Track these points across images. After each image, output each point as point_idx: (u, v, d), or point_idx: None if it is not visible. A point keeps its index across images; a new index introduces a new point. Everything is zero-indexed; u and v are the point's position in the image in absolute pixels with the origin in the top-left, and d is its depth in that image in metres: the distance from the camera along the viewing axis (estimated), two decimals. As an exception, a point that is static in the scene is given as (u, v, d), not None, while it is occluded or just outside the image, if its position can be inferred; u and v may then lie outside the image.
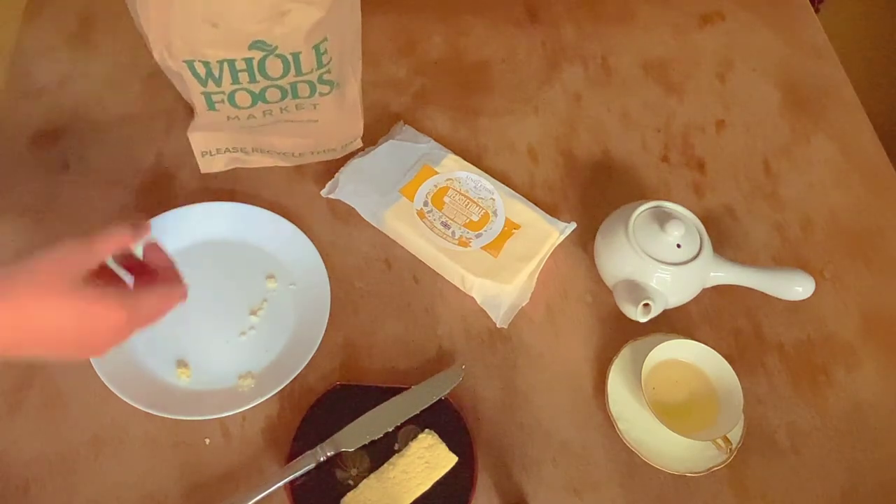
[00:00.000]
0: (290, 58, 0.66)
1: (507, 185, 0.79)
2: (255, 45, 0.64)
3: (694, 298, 0.72)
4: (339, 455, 0.63)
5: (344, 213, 0.78)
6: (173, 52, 0.65)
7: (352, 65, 0.73)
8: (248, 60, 0.65)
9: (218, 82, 0.67)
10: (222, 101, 0.69)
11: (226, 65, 0.65)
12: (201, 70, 0.66)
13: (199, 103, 0.69)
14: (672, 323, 0.73)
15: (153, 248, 0.60)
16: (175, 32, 0.63)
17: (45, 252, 0.50)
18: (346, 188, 0.78)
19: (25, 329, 0.49)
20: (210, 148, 0.75)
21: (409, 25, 0.94)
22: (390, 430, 0.65)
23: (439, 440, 0.64)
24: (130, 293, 0.54)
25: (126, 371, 0.66)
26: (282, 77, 0.68)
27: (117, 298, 0.52)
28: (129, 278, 0.58)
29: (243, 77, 0.67)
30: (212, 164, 0.77)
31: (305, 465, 0.62)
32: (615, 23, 0.97)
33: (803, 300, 0.71)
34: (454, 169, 0.79)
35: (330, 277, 0.73)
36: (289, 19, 0.63)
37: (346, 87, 0.74)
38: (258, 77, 0.67)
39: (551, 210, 0.79)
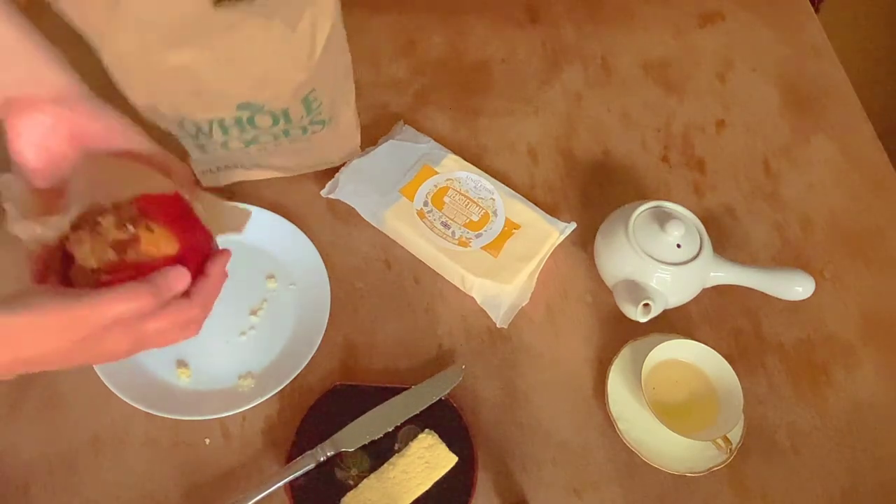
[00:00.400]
0: (279, 113, 0.66)
1: (507, 185, 0.79)
2: (242, 106, 0.64)
3: (694, 298, 0.72)
4: (339, 455, 0.63)
5: (344, 213, 0.78)
6: (162, 117, 0.65)
7: (344, 97, 0.73)
8: (238, 118, 0.65)
9: (208, 136, 0.67)
10: (215, 149, 0.70)
11: (215, 123, 0.66)
12: (191, 128, 0.66)
13: (192, 150, 0.70)
14: (672, 323, 0.73)
15: (222, 259, 0.54)
16: (162, 102, 0.63)
17: (14, 310, 0.45)
18: (346, 188, 0.78)
19: (24, 362, 0.47)
20: (210, 167, 0.75)
21: (409, 25, 0.94)
22: (390, 430, 0.65)
23: (439, 440, 0.64)
24: (133, 326, 0.48)
25: (126, 371, 0.66)
26: (272, 127, 0.68)
27: (117, 331, 0.48)
28: None
29: (234, 131, 0.67)
30: (216, 180, 0.77)
31: (305, 465, 0.62)
32: (615, 23, 0.97)
33: (803, 300, 0.71)
34: (454, 169, 0.79)
35: (330, 277, 0.73)
36: (274, 84, 0.63)
37: (340, 117, 0.73)
38: (248, 129, 0.67)
39: (551, 210, 0.79)
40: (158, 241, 0.50)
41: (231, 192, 0.78)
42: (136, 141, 0.56)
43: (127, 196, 0.50)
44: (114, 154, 0.55)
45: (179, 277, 0.50)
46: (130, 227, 0.50)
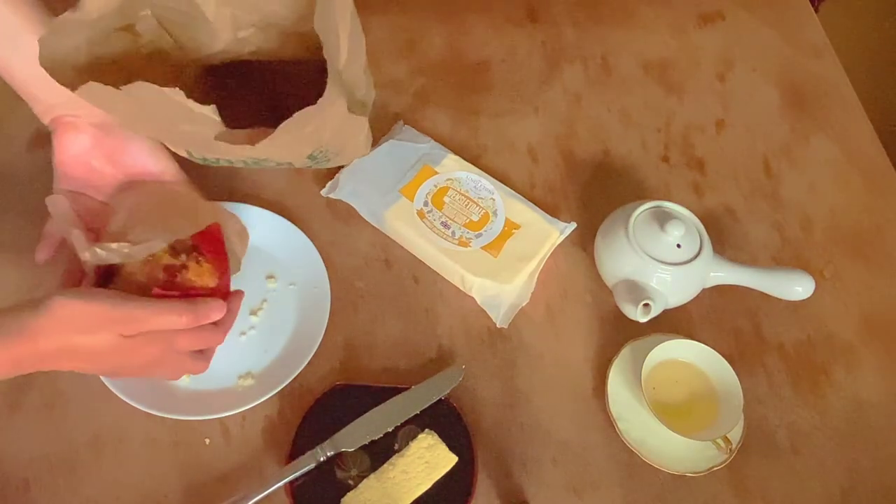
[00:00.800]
0: (284, 162, 0.66)
1: (507, 185, 0.79)
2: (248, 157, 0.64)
3: (694, 298, 0.72)
4: (339, 455, 0.63)
5: (344, 213, 0.78)
6: (170, 147, 0.66)
7: (353, 136, 0.71)
8: (244, 161, 0.65)
9: (215, 163, 0.67)
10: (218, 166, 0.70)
11: (222, 160, 0.66)
12: (199, 158, 0.66)
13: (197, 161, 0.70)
14: (672, 323, 0.73)
15: (238, 297, 0.64)
16: (171, 143, 0.65)
17: (83, 298, 0.53)
18: (346, 188, 0.78)
19: (69, 353, 0.53)
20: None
21: (409, 25, 0.94)
22: (390, 430, 0.65)
23: (439, 440, 0.64)
24: (167, 334, 0.56)
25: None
26: (277, 166, 0.68)
27: (154, 337, 0.55)
28: None
29: (239, 165, 0.67)
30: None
31: (305, 465, 0.62)
32: (615, 23, 0.97)
33: (803, 300, 0.71)
34: (454, 169, 0.79)
35: (330, 277, 0.73)
36: (280, 157, 0.63)
37: (347, 149, 0.71)
38: (253, 166, 0.67)
39: (551, 210, 0.79)
40: (204, 274, 0.59)
41: (231, 192, 0.78)
42: (167, 167, 0.65)
43: (186, 235, 0.60)
44: (156, 183, 0.65)
45: (218, 309, 0.58)
46: (183, 256, 0.59)
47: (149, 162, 0.64)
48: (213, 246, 0.62)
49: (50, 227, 0.64)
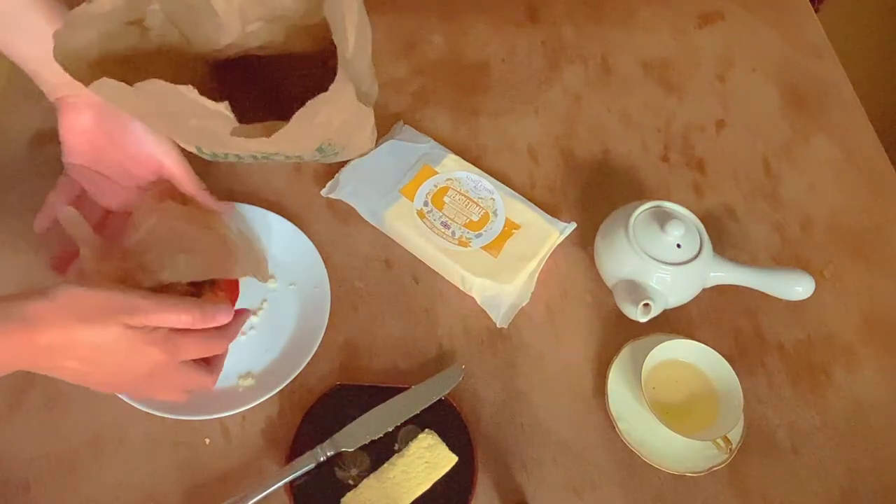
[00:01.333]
0: (293, 156, 0.66)
1: (507, 185, 0.79)
2: (257, 152, 0.65)
3: (694, 298, 0.72)
4: (339, 455, 0.63)
5: (344, 213, 0.78)
6: (180, 143, 0.66)
7: (360, 127, 0.71)
8: (253, 156, 0.65)
9: (224, 159, 0.67)
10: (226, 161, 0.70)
11: (231, 155, 0.66)
12: (208, 154, 0.66)
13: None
14: (672, 323, 0.73)
15: (244, 316, 0.64)
16: (181, 139, 0.65)
17: (91, 287, 0.53)
18: (346, 188, 0.78)
19: (70, 347, 0.52)
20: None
21: (409, 25, 0.94)
22: (390, 430, 0.65)
23: (439, 440, 0.64)
24: (172, 335, 0.55)
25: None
26: (285, 160, 0.68)
27: (158, 336, 0.54)
28: None
29: (247, 160, 0.67)
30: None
31: (305, 465, 0.62)
32: (615, 23, 0.97)
33: (803, 300, 0.71)
34: (454, 169, 0.79)
35: (330, 277, 0.73)
36: (291, 149, 0.63)
37: (355, 141, 0.71)
38: (262, 160, 0.67)
39: (551, 210, 0.79)
40: (216, 301, 0.63)
41: (231, 192, 0.78)
42: (168, 151, 0.66)
43: (199, 277, 0.62)
44: (182, 209, 0.66)
45: (224, 312, 0.59)
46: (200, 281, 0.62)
47: (151, 144, 0.65)
48: (229, 283, 0.66)
49: (52, 197, 0.65)
